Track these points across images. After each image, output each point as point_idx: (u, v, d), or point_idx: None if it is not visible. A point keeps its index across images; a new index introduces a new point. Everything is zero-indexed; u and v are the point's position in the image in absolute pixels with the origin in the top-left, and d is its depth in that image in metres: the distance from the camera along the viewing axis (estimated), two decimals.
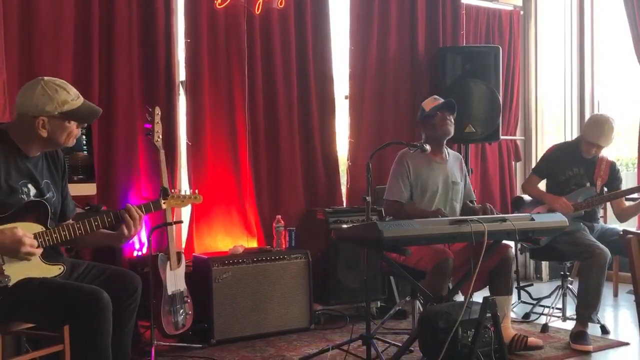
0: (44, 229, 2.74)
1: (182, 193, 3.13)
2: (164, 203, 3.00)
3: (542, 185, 4.90)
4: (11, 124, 2.84)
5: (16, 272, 2.65)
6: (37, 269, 2.72)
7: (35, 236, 2.69)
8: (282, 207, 5.12)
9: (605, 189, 4.61)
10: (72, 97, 2.78)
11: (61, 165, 3.00)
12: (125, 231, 2.88)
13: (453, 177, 4.27)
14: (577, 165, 4.64)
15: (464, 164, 4.47)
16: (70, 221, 2.99)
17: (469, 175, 5.65)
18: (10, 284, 2.64)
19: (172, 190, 3.09)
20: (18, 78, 4.14)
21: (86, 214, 3.97)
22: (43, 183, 2.86)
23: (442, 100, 4.25)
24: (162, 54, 4.68)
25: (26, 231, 2.65)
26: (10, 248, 2.60)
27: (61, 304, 2.65)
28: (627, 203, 4.77)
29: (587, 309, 4.20)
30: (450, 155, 4.36)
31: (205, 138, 4.85)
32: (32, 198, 2.78)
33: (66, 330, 3.01)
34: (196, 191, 3.20)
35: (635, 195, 4.88)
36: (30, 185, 2.80)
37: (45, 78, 2.79)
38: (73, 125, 2.81)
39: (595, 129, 4.61)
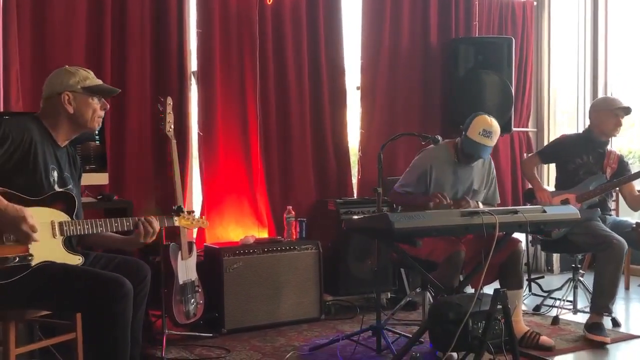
0: (70, 219, 2.84)
1: (193, 216, 3.30)
2: (175, 220, 3.19)
3: (544, 176, 4.89)
4: (41, 112, 2.95)
5: (39, 253, 2.72)
6: (59, 255, 2.80)
7: (61, 225, 2.80)
8: (293, 197, 5.13)
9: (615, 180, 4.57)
10: (92, 76, 2.99)
11: (78, 169, 3.14)
12: (141, 239, 3.00)
13: (475, 185, 4.23)
14: (586, 154, 4.60)
15: (492, 169, 4.34)
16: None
17: None
18: (33, 263, 2.70)
19: (185, 212, 3.26)
20: (30, 68, 4.18)
21: (98, 203, 4.02)
22: (65, 174, 2.96)
23: (486, 143, 4.01)
24: (174, 44, 4.69)
25: (52, 217, 2.76)
26: (11, 221, 2.60)
27: (84, 289, 2.71)
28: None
29: (604, 298, 4.16)
30: (479, 160, 4.23)
31: (217, 128, 4.86)
32: (56, 184, 2.88)
33: (78, 319, 3.05)
34: (203, 217, 3.49)
35: None
36: (55, 172, 2.90)
37: (67, 65, 3.02)
38: (95, 102, 2.96)
39: (609, 100, 4.66)
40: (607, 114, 4.54)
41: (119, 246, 3.15)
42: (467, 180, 4.21)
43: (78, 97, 2.91)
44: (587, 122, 5.35)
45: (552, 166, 5.62)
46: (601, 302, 4.18)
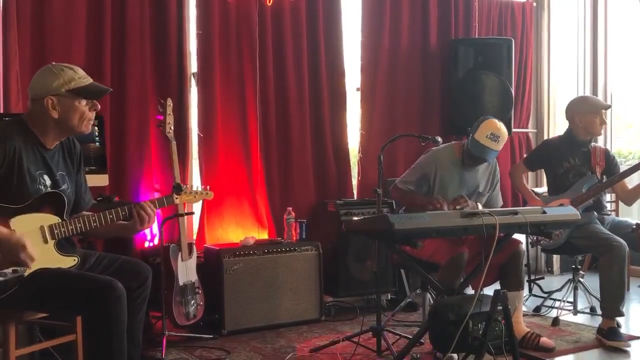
0: (60, 221, 2.78)
1: (194, 189, 3.15)
2: (176, 198, 3.05)
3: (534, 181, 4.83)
4: (28, 114, 2.85)
5: None
6: (52, 259, 2.75)
7: (51, 227, 2.74)
8: (293, 199, 5.13)
9: (605, 177, 4.54)
10: (79, 75, 2.81)
11: (77, 157, 3.02)
12: (138, 225, 2.92)
13: (479, 188, 4.24)
14: (572, 157, 4.58)
15: (497, 172, 4.35)
16: (85, 213, 3.02)
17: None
18: (26, 273, 2.66)
19: (185, 186, 3.12)
20: (30, 69, 4.16)
21: (98, 204, 4.01)
22: (58, 175, 2.88)
23: (493, 147, 4.00)
24: (173, 45, 4.69)
25: (42, 222, 2.70)
26: (11, 251, 2.58)
27: (76, 293, 2.69)
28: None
29: (613, 302, 4.13)
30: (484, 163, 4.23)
31: (217, 129, 4.86)
32: (48, 189, 2.81)
33: (78, 321, 3.04)
34: (207, 187, 3.23)
35: None
36: (46, 176, 2.83)
37: (54, 63, 2.85)
38: (83, 104, 2.81)
39: (590, 100, 4.69)
40: (593, 115, 4.52)
41: (116, 234, 3.09)
42: (472, 183, 4.22)
43: (63, 101, 2.76)
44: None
45: None
46: (612, 306, 4.14)
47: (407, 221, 3.18)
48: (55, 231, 2.75)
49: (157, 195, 4.62)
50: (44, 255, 2.71)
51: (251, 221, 4.99)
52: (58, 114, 2.76)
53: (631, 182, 4.67)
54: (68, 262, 2.81)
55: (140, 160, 4.57)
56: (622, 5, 6.65)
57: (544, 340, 4.00)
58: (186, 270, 4.12)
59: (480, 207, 4.13)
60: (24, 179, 2.72)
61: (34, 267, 2.68)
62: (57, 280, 2.72)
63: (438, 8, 5.84)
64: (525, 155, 5.51)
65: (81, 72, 2.85)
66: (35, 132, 2.80)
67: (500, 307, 3.18)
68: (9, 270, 2.63)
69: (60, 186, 2.88)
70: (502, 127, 4.05)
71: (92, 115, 2.86)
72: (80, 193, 3.04)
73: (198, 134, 4.83)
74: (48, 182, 2.83)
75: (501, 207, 4.33)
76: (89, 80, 2.85)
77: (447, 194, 4.13)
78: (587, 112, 4.54)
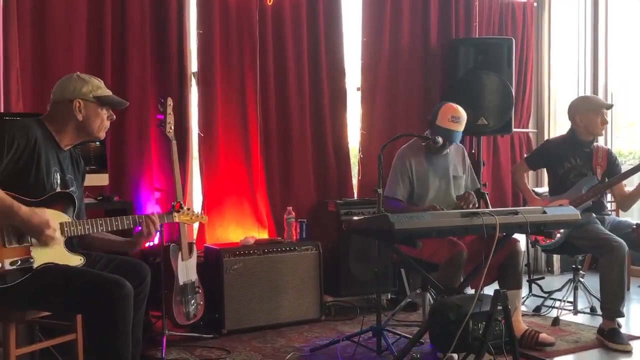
0: (70, 220, 2.86)
1: (192, 211, 3.34)
2: (175, 217, 3.23)
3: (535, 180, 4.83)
4: (46, 115, 2.97)
5: (41, 255, 2.75)
6: (61, 256, 2.82)
7: (62, 225, 2.82)
8: (293, 198, 5.13)
9: (606, 179, 4.54)
10: (103, 85, 3.03)
11: (81, 171, 3.15)
12: (143, 238, 3.06)
13: (454, 171, 4.30)
14: (574, 157, 4.58)
15: (466, 155, 4.45)
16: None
17: (481, 166, 5.63)
18: (35, 265, 2.72)
19: (185, 207, 3.30)
20: (31, 69, 4.18)
21: (99, 204, 4.02)
22: (67, 177, 2.98)
23: (457, 129, 4.12)
24: (174, 44, 4.69)
25: (54, 218, 2.76)
26: (36, 227, 2.68)
27: (84, 291, 2.73)
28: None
29: (613, 303, 4.12)
30: (452, 147, 4.32)
31: (217, 129, 4.86)
32: (59, 187, 2.89)
33: (79, 320, 3.05)
34: (203, 212, 3.47)
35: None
36: (58, 174, 2.91)
37: (79, 73, 3.04)
38: (104, 112, 2.99)
39: (591, 100, 4.71)
40: (594, 114, 4.52)
41: (118, 248, 3.18)
42: (444, 168, 4.28)
43: (89, 106, 2.94)
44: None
45: None
46: (613, 307, 4.13)
47: (407, 221, 3.17)
48: (66, 229, 2.83)
49: (157, 195, 4.63)
50: (52, 251, 2.78)
51: (251, 221, 4.99)
52: (82, 117, 2.94)
53: (631, 183, 4.67)
54: (75, 260, 2.88)
55: (140, 160, 4.57)
56: (623, 5, 6.65)
57: (543, 336, 4.01)
58: (186, 270, 4.12)
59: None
60: (41, 171, 2.81)
61: (43, 260, 2.74)
62: (65, 277, 2.77)
63: (438, 8, 5.84)
64: (526, 155, 5.51)
65: (103, 83, 3.05)
66: (52, 132, 2.93)
67: (500, 307, 3.18)
68: (17, 261, 2.67)
69: (69, 187, 2.96)
70: (460, 108, 4.18)
71: (108, 124, 3.06)
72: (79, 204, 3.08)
73: (198, 133, 4.82)
74: (58, 180, 2.91)
75: (501, 208, 4.34)
76: (109, 91, 3.06)
77: (427, 184, 4.20)
78: (588, 112, 4.54)
